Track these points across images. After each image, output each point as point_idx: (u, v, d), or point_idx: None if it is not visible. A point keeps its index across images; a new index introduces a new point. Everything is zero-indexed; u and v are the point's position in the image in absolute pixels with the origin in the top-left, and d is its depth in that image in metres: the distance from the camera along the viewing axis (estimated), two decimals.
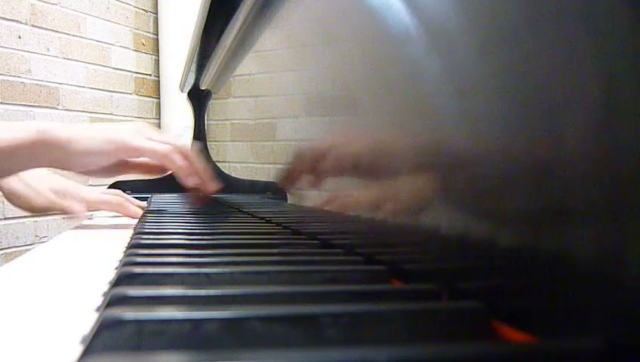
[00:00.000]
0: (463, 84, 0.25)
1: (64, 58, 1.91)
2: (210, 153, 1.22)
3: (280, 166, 0.67)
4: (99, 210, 0.80)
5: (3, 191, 0.76)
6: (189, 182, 0.64)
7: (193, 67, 1.05)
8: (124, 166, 0.64)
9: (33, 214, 1.72)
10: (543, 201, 0.20)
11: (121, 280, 0.28)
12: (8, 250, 1.70)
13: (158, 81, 2.33)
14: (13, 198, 0.75)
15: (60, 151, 0.55)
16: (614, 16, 0.17)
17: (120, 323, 0.19)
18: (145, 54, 2.28)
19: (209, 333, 0.20)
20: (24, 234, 1.73)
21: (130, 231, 0.55)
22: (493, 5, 0.23)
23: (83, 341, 0.21)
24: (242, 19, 0.72)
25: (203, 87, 1.20)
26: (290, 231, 0.54)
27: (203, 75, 1.12)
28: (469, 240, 0.25)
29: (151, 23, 2.30)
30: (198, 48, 0.93)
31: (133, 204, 0.78)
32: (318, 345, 0.20)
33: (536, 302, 0.21)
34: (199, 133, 1.24)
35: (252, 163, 0.89)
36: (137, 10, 2.24)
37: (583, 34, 0.18)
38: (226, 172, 1.12)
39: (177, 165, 0.62)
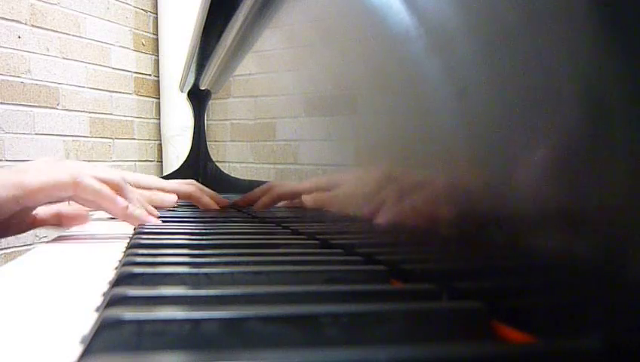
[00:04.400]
0: (462, 84, 0.25)
1: (64, 58, 1.91)
2: (210, 153, 1.22)
3: (280, 166, 0.67)
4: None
5: None
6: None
7: (193, 67, 1.05)
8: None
9: None
10: (542, 200, 0.20)
11: (121, 280, 0.28)
12: (8, 250, 1.70)
13: (158, 81, 2.33)
14: None
15: None
16: (613, 16, 0.17)
17: (120, 323, 0.19)
18: (145, 54, 2.28)
19: (209, 333, 0.20)
20: (24, 235, 1.73)
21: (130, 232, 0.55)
22: (491, 5, 0.23)
23: (83, 341, 0.21)
24: (242, 19, 0.72)
25: (203, 87, 1.20)
26: (290, 231, 0.54)
27: (203, 75, 1.12)
28: (468, 240, 0.25)
29: (151, 23, 2.30)
30: (198, 48, 0.93)
31: (208, 195, 0.77)
32: (318, 345, 0.20)
33: (536, 301, 0.21)
34: (199, 133, 1.24)
35: (252, 163, 0.89)
36: (137, 10, 2.24)
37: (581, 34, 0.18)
38: (226, 172, 1.12)
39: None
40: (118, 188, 0.55)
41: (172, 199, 0.74)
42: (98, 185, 0.53)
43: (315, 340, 0.20)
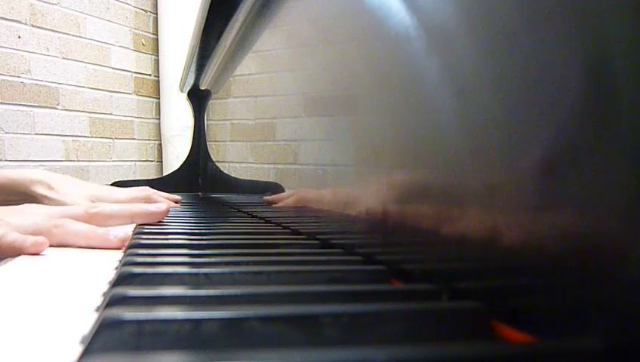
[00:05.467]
0: (462, 84, 0.25)
1: (64, 58, 1.91)
2: (210, 153, 1.22)
3: (280, 166, 0.67)
4: None
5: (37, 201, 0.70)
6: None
7: (193, 67, 1.05)
8: None
9: None
10: (542, 200, 0.20)
11: (121, 280, 0.28)
12: None
13: (158, 81, 2.33)
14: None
15: None
16: (612, 15, 0.17)
17: (120, 323, 0.19)
18: (145, 54, 2.28)
19: (209, 333, 0.20)
20: None
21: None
22: (491, 5, 0.23)
23: (83, 341, 0.21)
24: (242, 19, 0.72)
25: (203, 87, 1.20)
26: (290, 231, 0.54)
27: (203, 75, 1.12)
28: (468, 240, 0.25)
29: (151, 23, 2.30)
30: (198, 48, 0.93)
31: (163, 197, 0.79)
32: (318, 345, 0.20)
33: (536, 301, 0.21)
34: (199, 133, 1.24)
35: (252, 163, 0.89)
36: (137, 10, 2.24)
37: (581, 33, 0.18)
38: (225, 172, 1.12)
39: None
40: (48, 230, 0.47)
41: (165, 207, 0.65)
42: (18, 241, 0.44)
43: (315, 340, 0.20)
